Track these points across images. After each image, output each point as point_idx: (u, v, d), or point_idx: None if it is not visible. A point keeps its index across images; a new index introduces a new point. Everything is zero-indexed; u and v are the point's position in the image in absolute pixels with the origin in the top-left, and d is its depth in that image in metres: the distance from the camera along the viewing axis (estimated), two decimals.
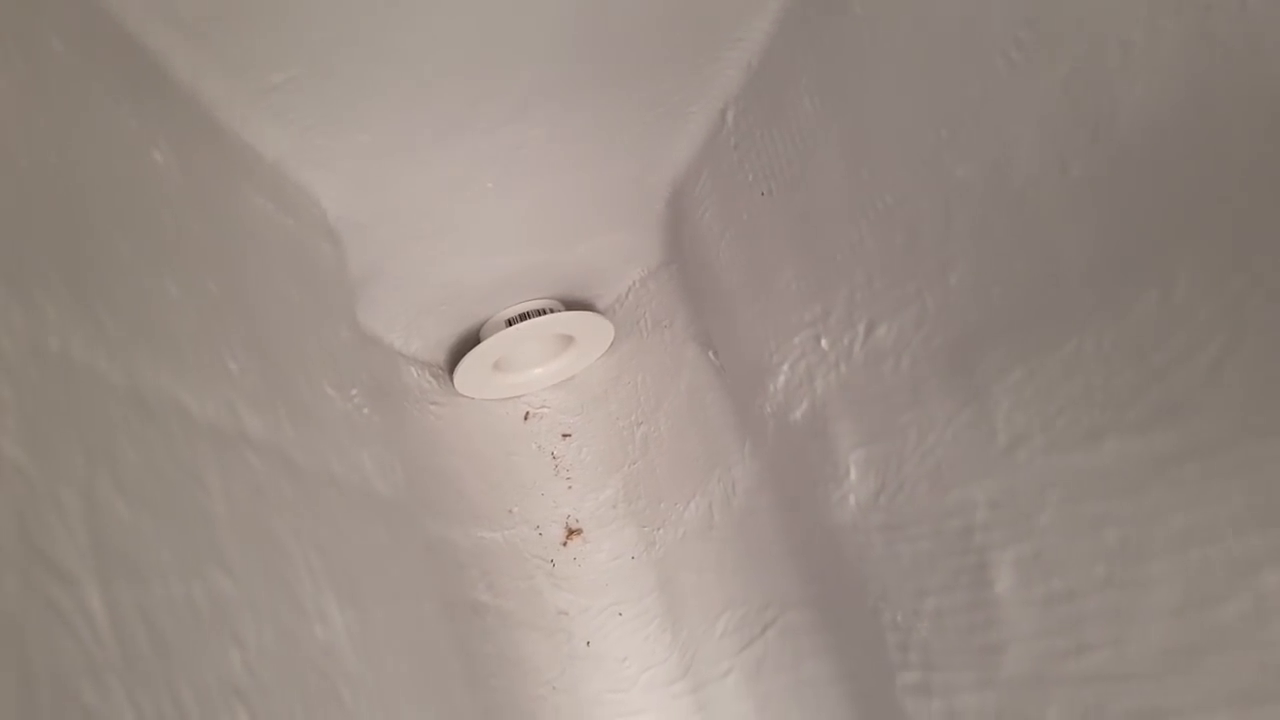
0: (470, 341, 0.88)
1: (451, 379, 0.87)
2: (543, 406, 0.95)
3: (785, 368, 0.62)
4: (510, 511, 0.86)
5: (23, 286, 0.24)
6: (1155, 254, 0.36)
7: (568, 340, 0.91)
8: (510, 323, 0.85)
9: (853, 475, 0.55)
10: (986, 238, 0.44)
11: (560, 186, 0.71)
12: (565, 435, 0.94)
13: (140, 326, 0.30)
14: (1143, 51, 0.36)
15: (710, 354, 0.79)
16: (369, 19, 0.48)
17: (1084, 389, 0.39)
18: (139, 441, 0.26)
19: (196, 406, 0.31)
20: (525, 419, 0.94)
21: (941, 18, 0.46)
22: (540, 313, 0.85)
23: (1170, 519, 0.36)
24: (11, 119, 0.28)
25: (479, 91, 0.56)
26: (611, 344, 0.92)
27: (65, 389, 0.24)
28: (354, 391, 0.48)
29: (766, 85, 0.61)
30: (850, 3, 0.52)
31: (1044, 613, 0.42)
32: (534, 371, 0.93)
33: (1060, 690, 0.43)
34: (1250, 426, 0.33)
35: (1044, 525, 0.42)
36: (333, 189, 0.60)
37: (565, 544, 0.88)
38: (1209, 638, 0.35)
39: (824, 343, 0.57)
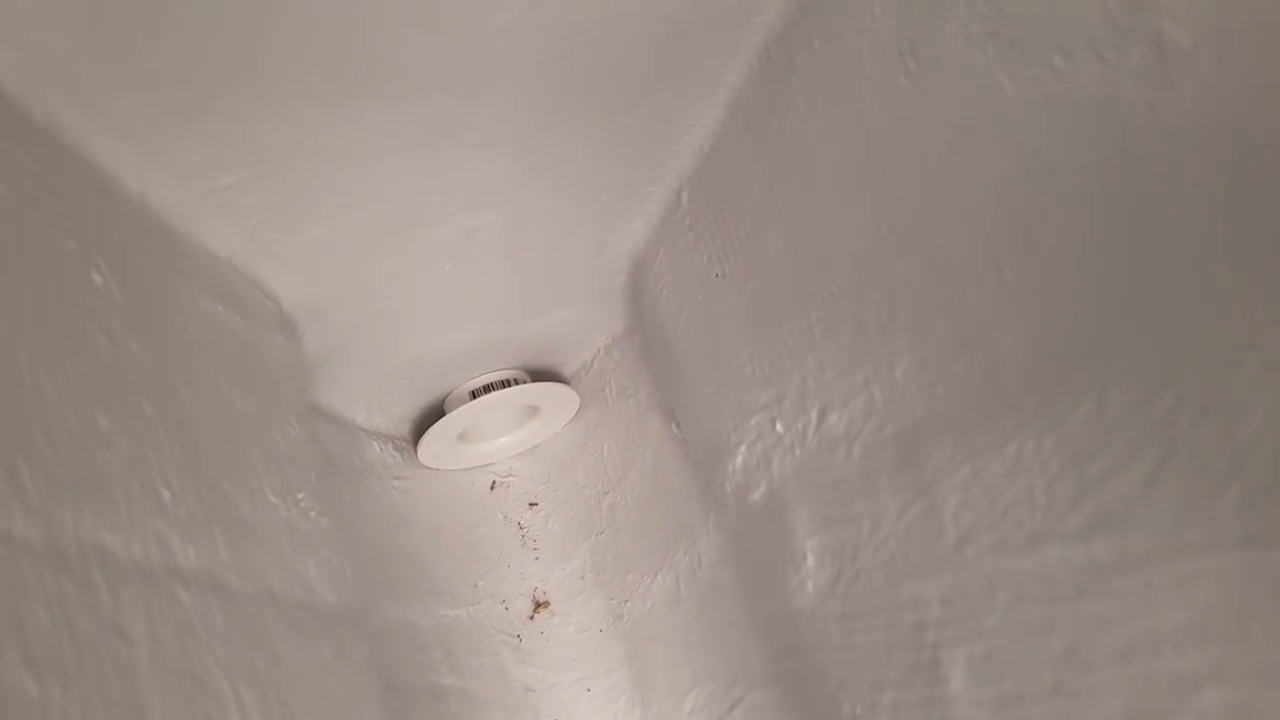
0: (434, 413, 0.88)
1: (415, 451, 0.87)
2: (509, 475, 0.94)
3: (743, 448, 0.62)
4: (475, 586, 0.85)
5: None
6: (1087, 364, 0.36)
7: (533, 409, 0.91)
8: (474, 394, 0.84)
9: (810, 562, 0.55)
10: (928, 334, 0.45)
11: (519, 265, 0.71)
12: (532, 504, 0.93)
13: (63, 471, 0.29)
14: (1067, 166, 0.36)
15: (674, 426, 0.78)
16: (316, 123, 0.48)
17: (1026, 492, 0.40)
18: (54, 602, 0.26)
19: (122, 547, 0.31)
20: (492, 488, 0.93)
21: (879, 117, 0.46)
22: (504, 384, 0.85)
23: (1114, 630, 0.36)
24: None
25: (431, 185, 0.56)
26: (577, 412, 0.92)
27: None
28: (300, 495, 0.48)
29: (719, 169, 0.61)
30: (795, 96, 0.53)
31: (996, 715, 0.42)
32: (500, 440, 0.92)
33: None
34: (1185, 543, 0.33)
35: (993, 626, 0.42)
36: (286, 279, 0.60)
37: (532, 617, 0.87)
38: None
39: (779, 426, 0.57)
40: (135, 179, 0.46)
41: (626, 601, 0.84)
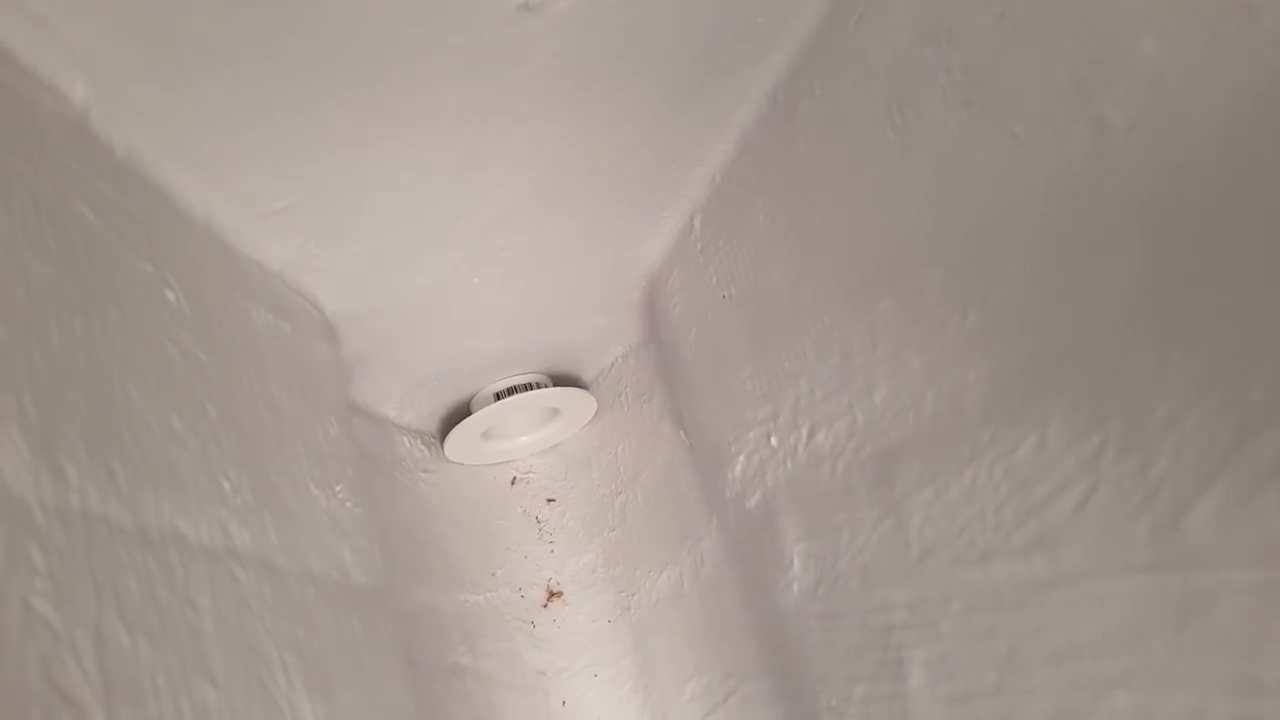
0: (461, 410, 0.94)
1: (442, 446, 0.93)
2: (530, 472, 1.00)
3: (742, 458, 0.67)
4: (494, 574, 0.91)
5: (51, 455, 0.30)
6: (1034, 402, 0.41)
7: (554, 411, 0.96)
8: (499, 396, 0.90)
9: (796, 565, 0.60)
10: (904, 366, 0.50)
11: (542, 280, 0.77)
12: (550, 500, 0.99)
13: (146, 467, 0.35)
14: (1024, 224, 0.41)
15: (682, 433, 0.84)
16: (361, 157, 0.54)
17: (979, 513, 0.44)
18: (141, 576, 0.32)
19: (192, 531, 0.37)
20: (512, 484, 0.99)
21: (869, 166, 0.51)
22: (527, 387, 0.91)
23: (1046, 638, 0.41)
24: (47, 301, 0.33)
25: (461, 209, 0.62)
26: (595, 415, 0.97)
27: (83, 541, 0.29)
28: (338, 487, 0.53)
29: (728, 199, 0.66)
30: (797, 138, 0.57)
31: (948, 711, 0.47)
32: (521, 439, 0.98)
33: None
34: (1105, 565, 0.38)
35: (948, 631, 0.47)
36: (330, 289, 0.66)
37: (546, 606, 0.92)
38: None
39: (774, 440, 0.62)
40: (201, 205, 0.52)
41: (634, 595, 0.89)
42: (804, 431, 0.59)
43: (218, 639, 0.35)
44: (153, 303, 0.43)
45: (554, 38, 0.50)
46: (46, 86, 0.41)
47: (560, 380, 0.96)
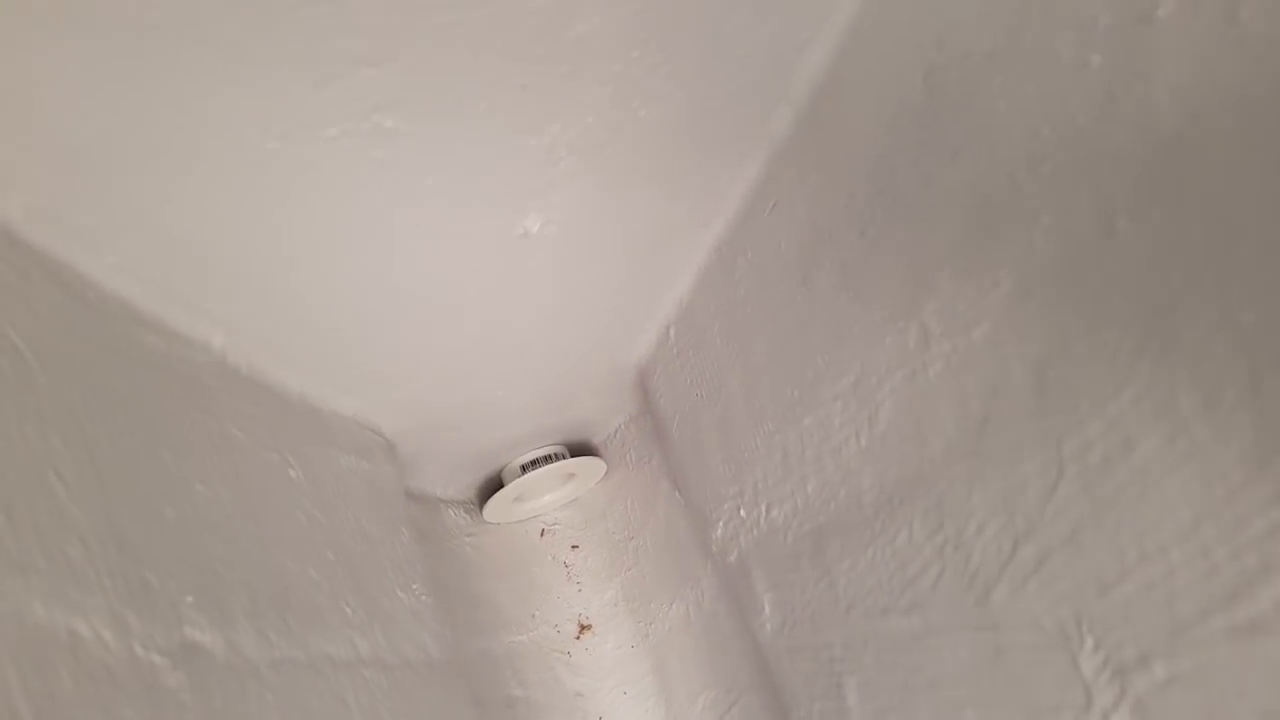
0: (494, 480, 1.12)
1: (481, 511, 1.11)
2: (555, 524, 1.18)
3: (721, 524, 0.85)
4: (533, 615, 1.10)
5: (261, 627, 0.48)
6: (904, 506, 0.59)
7: (571, 473, 1.14)
8: (524, 468, 1.08)
9: (767, 610, 0.78)
10: (824, 468, 0.67)
11: (553, 381, 0.95)
12: (574, 546, 1.17)
13: (304, 613, 0.53)
14: (881, 382, 0.58)
15: (677, 493, 1.01)
16: (410, 337, 0.72)
17: (877, 582, 0.62)
18: (316, 694, 0.50)
19: (335, 652, 0.55)
20: (541, 535, 1.18)
21: (787, 316, 0.68)
22: (548, 459, 1.09)
23: (923, 672, 0.58)
24: (236, 516, 0.51)
25: (487, 350, 0.80)
26: (606, 473, 1.15)
27: (286, 680, 0.47)
28: (415, 586, 0.72)
29: (693, 319, 0.84)
30: (739, 284, 0.75)
31: None
32: (546, 497, 1.16)
33: None
34: (955, 624, 0.55)
35: (868, 664, 0.65)
36: (389, 418, 0.84)
37: (579, 637, 1.11)
38: None
39: (743, 512, 0.80)
40: (298, 386, 0.70)
41: (651, 624, 1.07)
42: (763, 508, 0.77)
43: None
44: (284, 484, 0.61)
45: (548, 245, 0.68)
46: (200, 346, 0.59)
47: (574, 446, 1.14)
